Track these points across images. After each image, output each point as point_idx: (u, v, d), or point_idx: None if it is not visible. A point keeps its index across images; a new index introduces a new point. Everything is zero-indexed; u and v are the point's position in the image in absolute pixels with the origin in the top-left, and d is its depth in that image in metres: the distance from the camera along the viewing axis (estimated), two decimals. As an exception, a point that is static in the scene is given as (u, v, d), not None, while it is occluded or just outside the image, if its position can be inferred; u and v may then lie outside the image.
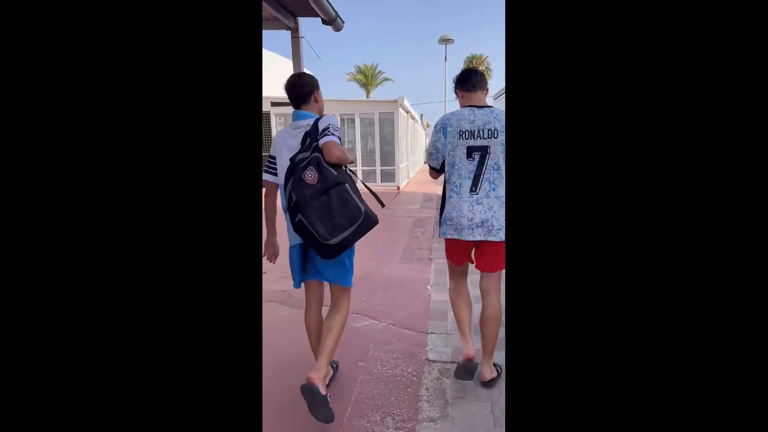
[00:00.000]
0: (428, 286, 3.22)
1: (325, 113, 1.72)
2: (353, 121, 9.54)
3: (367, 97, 25.00)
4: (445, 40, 11.78)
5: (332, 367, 1.91)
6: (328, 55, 76.80)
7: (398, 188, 9.67)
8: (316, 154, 1.51)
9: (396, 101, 9.49)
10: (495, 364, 1.88)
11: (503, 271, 1.80)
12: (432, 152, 1.84)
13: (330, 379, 1.80)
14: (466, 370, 1.82)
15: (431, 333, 2.43)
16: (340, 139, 1.56)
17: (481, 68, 30.16)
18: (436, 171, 1.87)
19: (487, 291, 1.81)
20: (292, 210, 1.52)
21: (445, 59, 12.65)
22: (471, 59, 30.97)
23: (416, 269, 3.67)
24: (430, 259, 3.98)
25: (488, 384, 1.83)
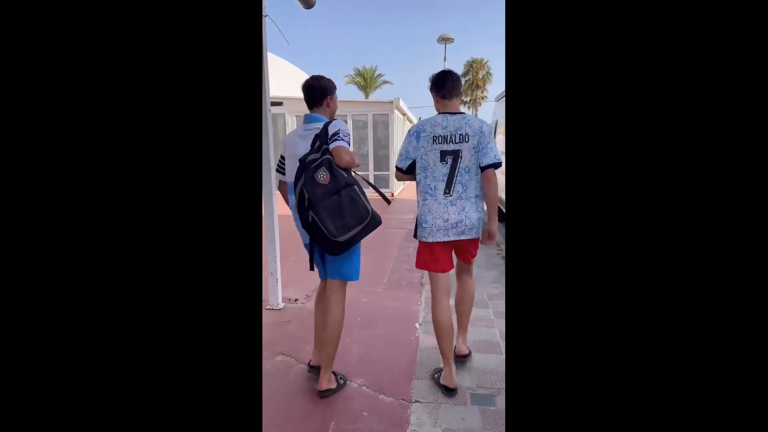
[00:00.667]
0: (417, 325, 2.61)
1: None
2: (345, 122, 8.93)
3: (366, 99, 24.45)
4: (445, 39, 11.19)
5: (338, 381, 1.90)
6: (327, 54, 76.48)
7: (392, 194, 9.08)
8: (328, 156, 1.57)
9: (391, 102, 8.91)
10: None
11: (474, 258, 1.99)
12: (402, 153, 1.88)
13: (331, 391, 1.88)
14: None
15: (415, 402, 1.82)
16: (349, 144, 1.63)
17: (482, 73, 30.14)
18: (401, 172, 1.92)
19: (461, 275, 2.04)
20: (303, 208, 1.57)
21: (444, 59, 12.09)
22: (471, 63, 30.60)
23: (404, 298, 3.06)
24: (421, 284, 3.37)
25: (462, 358, 2.08)
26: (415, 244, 4.68)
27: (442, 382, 1.87)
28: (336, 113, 1.83)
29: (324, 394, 1.81)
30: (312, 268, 1.84)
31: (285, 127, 9.11)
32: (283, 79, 13.37)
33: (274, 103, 9.09)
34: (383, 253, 4.30)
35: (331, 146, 1.59)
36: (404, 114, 10.50)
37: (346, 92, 29.73)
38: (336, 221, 1.55)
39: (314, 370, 1.96)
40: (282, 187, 1.92)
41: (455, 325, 2.05)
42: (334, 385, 1.85)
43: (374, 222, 1.63)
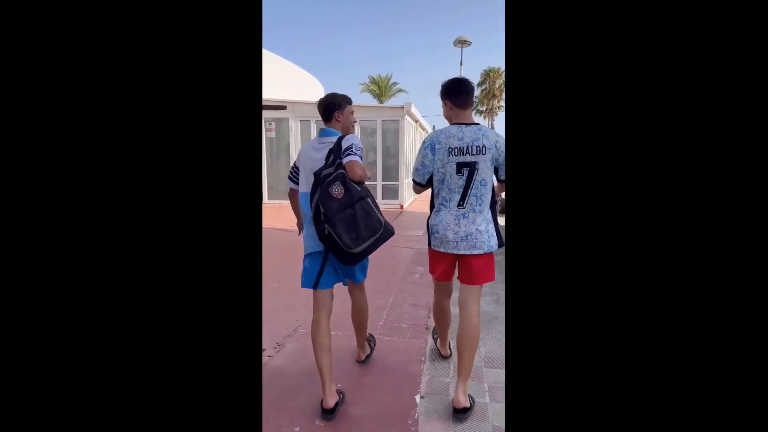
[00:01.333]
0: (417, 397, 1.89)
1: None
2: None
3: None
4: (461, 42, 10.52)
5: (370, 346, 2.28)
6: (341, 62, 76.75)
7: (401, 206, 8.41)
8: (341, 170, 1.65)
9: (402, 107, 8.27)
10: (469, 396, 1.82)
11: (483, 285, 1.83)
12: (419, 167, 1.84)
13: (367, 357, 2.24)
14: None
15: None
16: (361, 158, 1.69)
17: (498, 82, 29.54)
18: (421, 186, 1.89)
19: (465, 304, 1.83)
20: (319, 222, 1.63)
21: (461, 63, 11.40)
22: (488, 72, 29.97)
23: (403, 350, 2.36)
24: (426, 327, 2.66)
25: (460, 413, 1.74)
26: (425, 266, 3.96)
27: (437, 346, 2.29)
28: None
29: (365, 361, 2.22)
30: (316, 286, 1.81)
31: (289, 132, 8.54)
32: (287, 81, 12.88)
33: (277, 107, 8.57)
34: (384, 281, 3.59)
35: (345, 161, 1.65)
36: (416, 121, 9.85)
37: (360, 101, 29.40)
38: (351, 233, 1.60)
39: (328, 412, 1.75)
40: (293, 194, 1.97)
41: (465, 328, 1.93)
42: (368, 351, 2.26)
43: (387, 233, 1.70)
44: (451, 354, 2.25)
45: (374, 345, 2.35)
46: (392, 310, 2.96)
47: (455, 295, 2.04)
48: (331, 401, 1.73)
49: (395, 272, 3.92)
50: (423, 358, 2.25)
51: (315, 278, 1.77)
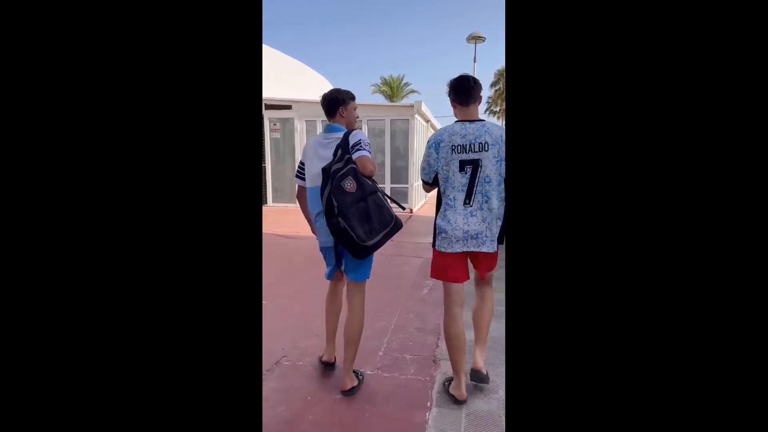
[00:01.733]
0: (420, 464, 1.49)
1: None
2: (360, 128, 7.95)
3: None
4: (475, 38, 10.03)
5: (358, 378, 1.98)
6: (354, 63, 76.69)
7: (411, 211, 8.00)
8: (352, 165, 1.68)
9: (412, 106, 7.87)
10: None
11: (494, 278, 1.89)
12: (424, 167, 1.84)
13: (355, 388, 1.93)
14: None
15: None
16: (369, 152, 1.74)
17: (513, 82, 28.91)
18: (428, 185, 1.88)
19: (479, 283, 1.93)
20: (333, 215, 1.64)
21: (474, 60, 10.90)
22: (502, 72, 29.32)
23: (405, 388, 1.96)
24: (434, 359, 2.25)
25: (478, 373, 1.88)
26: (433, 282, 3.54)
27: (451, 391, 1.89)
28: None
29: (349, 393, 1.89)
30: (330, 277, 1.99)
31: (294, 132, 8.21)
32: (294, 80, 12.58)
33: (282, 107, 8.25)
34: (387, 297, 3.18)
35: (355, 156, 1.69)
36: (428, 121, 9.43)
37: (371, 102, 29.05)
38: (364, 226, 1.65)
39: (327, 366, 2.08)
40: (301, 193, 1.97)
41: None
42: (356, 383, 1.93)
43: (396, 227, 1.76)
44: (466, 400, 1.83)
45: (362, 378, 2.03)
46: (394, 335, 2.56)
47: (467, 315, 1.90)
48: (330, 356, 1.95)
49: (400, 287, 3.51)
50: (429, 403, 1.85)
51: (334, 268, 1.97)
